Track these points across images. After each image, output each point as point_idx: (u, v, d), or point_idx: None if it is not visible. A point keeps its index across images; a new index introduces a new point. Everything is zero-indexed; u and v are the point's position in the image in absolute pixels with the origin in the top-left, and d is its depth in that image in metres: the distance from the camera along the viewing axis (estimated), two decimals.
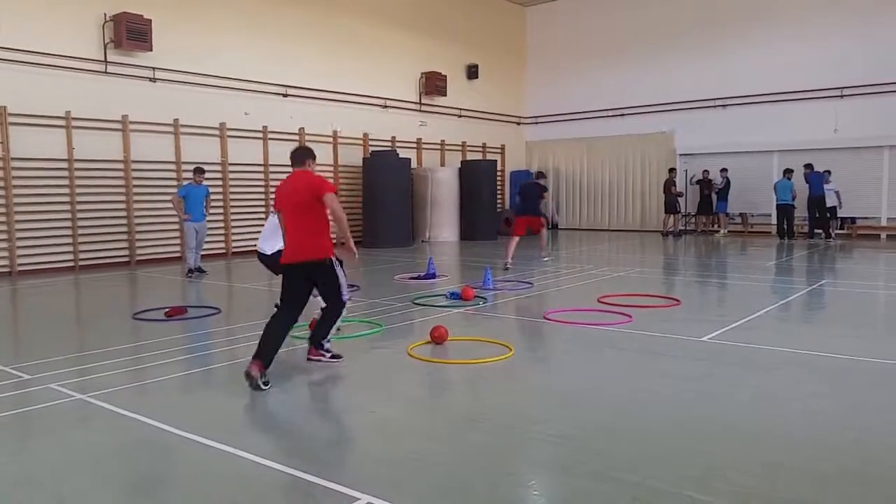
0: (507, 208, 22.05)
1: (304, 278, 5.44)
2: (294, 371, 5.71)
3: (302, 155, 5.71)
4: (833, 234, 17.20)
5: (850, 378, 5.22)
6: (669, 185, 19.43)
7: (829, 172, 17.21)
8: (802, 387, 4.95)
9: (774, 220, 17.94)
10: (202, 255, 12.37)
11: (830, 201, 17.16)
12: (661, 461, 3.64)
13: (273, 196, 15.88)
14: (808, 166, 17.13)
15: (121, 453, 3.87)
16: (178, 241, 14.05)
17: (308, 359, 5.69)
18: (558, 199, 23.26)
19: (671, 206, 19.46)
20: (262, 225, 15.46)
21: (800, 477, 3.42)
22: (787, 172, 17.19)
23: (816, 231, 17.30)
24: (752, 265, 12.89)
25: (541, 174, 13.04)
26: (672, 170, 19.72)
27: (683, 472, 3.48)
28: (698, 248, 16.37)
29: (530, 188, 12.64)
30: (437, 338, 6.22)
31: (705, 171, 19.29)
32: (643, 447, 3.85)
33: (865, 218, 18.00)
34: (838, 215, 17.67)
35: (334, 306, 5.66)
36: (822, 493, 3.27)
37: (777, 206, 17.47)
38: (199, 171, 12.01)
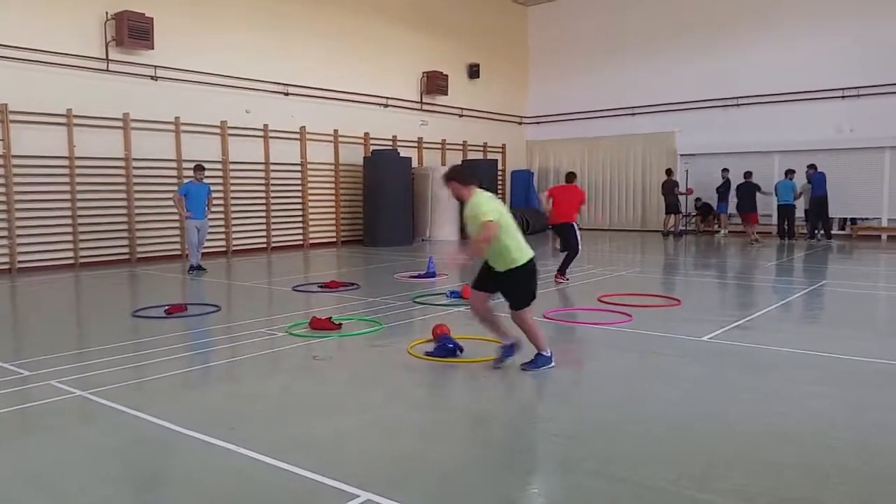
0: (508, 207, 22.02)
1: (560, 233, 10.43)
2: (294, 369, 5.71)
3: (573, 177, 10.76)
4: (825, 235, 16.98)
5: (850, 378, 5.21)
6: (671, 186, 19.21)
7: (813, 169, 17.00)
8: (802, 386, 4.95)
9: (775, 221, 17.89)
10: (203, 253, 12.37)
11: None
12: (661, 460, 3.63)
13: (271, 193, 15.84)
14: (812, 167, 17.06)
15: (121, 450, 3.87)
16: (178, 239, 14.05)
17: (555, 280, 9.96)
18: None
19: (672, 206, 19.33)
20: (263, 223, 15.69)
21: (800, 476, 3.42)
22: (789, 173, 16.94)
23: (817, 231, 17.28)
24: (752, 265, 12.88)
25: (749, 173, 17.23)
26: (669, 171, 19.62)
27: (684, 471, 3.48)
28: (698, 247, 16.37)
29: (742, 187, 17.13)
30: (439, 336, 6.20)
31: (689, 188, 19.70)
32: (644, 446, 3.85)
33: (866, 219, 17.99)
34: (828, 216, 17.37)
35: (573, 251, 10.15)
36: (822, 492, 3.26)
37: (778, 206, 17.21)
38: (199, 168, 12.02)
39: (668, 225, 19.62)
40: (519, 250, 5.23)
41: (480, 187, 5.52)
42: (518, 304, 5.31)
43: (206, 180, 12.27)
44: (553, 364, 5.33)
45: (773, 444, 3.83)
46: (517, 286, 5.29)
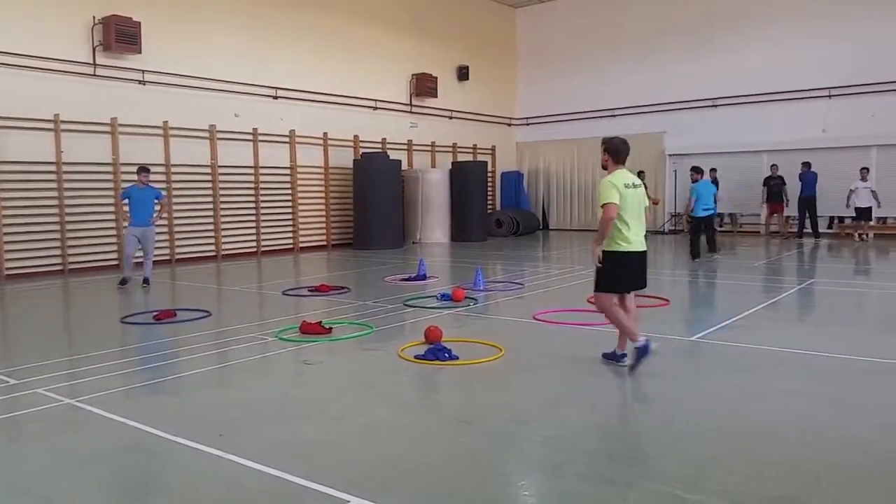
0: (498, 209, 22.09)
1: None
2: (284, 374, 5.70)
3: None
4: (866, 237, 16.39)
5: (837, 376, 5.25)
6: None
7: (867, 170, 16.45)
8: (790, 385, 4.99)
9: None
10: (194, 258, 12.26)
11: (866, 201, 16.24)
12: (649, 461, 3.65)
13: (261, 197, 15.66)
14: (806, 164, 17.15)
15: (108, 458, 3.85)
16: (167, 245, 13.97)
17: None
18: (549, 200, 23.32)
19: None
20: (253, 227, 15.66)
21: (788, 474, 3.44)
22: (697, 172, 13.46)
23: (806, 230, 17.40)
24: (740, 265, 12.94)
25: (774, 166, 17.68)
26: (640, 172, 18.68)
27: (672, 471, 3.49)
28: (686, 248, 16.40)
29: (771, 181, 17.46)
30: (431, 338, 6.20)
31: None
32: (632, 447, 3.87)
33: (853, 217, 18.08)
34: (874, 215, 16.59)
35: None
36: (810, 490, 3.29)
37: (699, 216, 13.37)
38: (142, 170, 10.73)
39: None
40: (622, 238, 5.38)
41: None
42: (595, 286, 5.62)
43: (197, 184, 12.12)
44: (625, 360, 5.44)
45: (761, 443, 3.85)
46: (601, 268, 5.51)
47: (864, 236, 16.65)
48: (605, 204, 5.32)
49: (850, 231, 16.93)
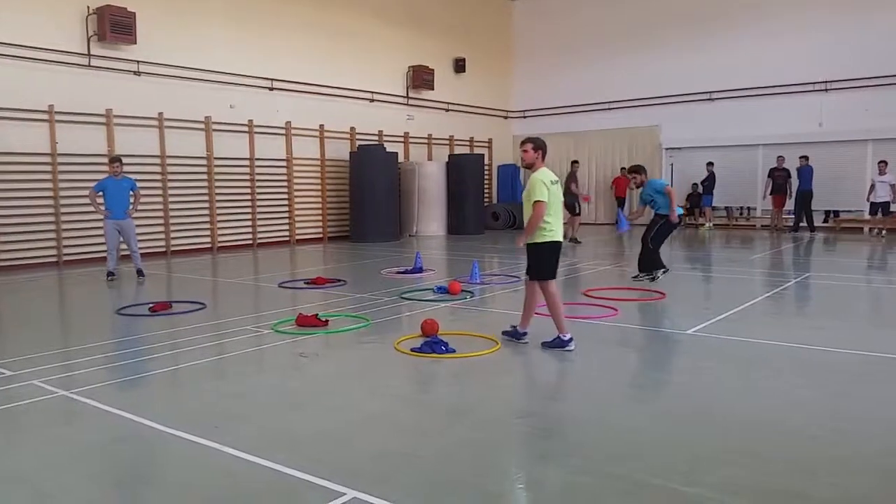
0: (494, 202, 22.07)
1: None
2: (280, 367, 5.69)
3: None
4: (876, 232, 16.12)
5: (834, 369, 5.26)
6: (570, 181, 15.61)
7: (885, 163, 16.03)
8: (787, 378, 4.99)
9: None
10: (191, 250, 12.23)
11: (882, 195, 15.83)
12: (647, 454, 3.65)
13: (257, 189, 15.56)
14: (804, 158, 17.19)
15: (104, 449, 3.84)
16: (162, 236, 13.93)
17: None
18: None
19: (570, 207, 14.85)
20: (249, 220, 15.62)
21: (787, 467, 3.44)
22: (643, 173, 9.94)
23: (802, 224, 17.45)
24: (736, 258, 12.96)
25: (781, 158, 17.36)
26: (574, 162, 17.01)
27: (670, 464, 3.49)
28: (683, 241, 16.44)
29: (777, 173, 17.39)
30: (428, 331, 6.20)
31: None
32: (629, 440, 3.86)
33: (849, 211, 18.15)
34: (891, 210, 16.13)
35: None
36: (808, 483, 3.29)
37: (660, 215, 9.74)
38: (115, 160, 10.54)
39: (574, 229, 15.72)
40: (549, 229, 5.86)
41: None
42: (531, 274, 6.01)
43: (192, 176, 12.06)
44: (571, 348, 5.80)
45: (759, 437, 3.85)
46: (532, 258, 5.96)
47: (875, 231, 16.44)
48: (537, 201, 5.77)
49: (881, 227, 16.34)
